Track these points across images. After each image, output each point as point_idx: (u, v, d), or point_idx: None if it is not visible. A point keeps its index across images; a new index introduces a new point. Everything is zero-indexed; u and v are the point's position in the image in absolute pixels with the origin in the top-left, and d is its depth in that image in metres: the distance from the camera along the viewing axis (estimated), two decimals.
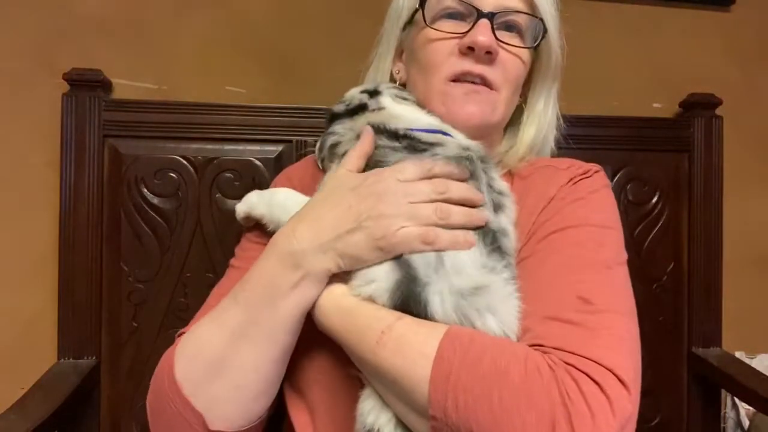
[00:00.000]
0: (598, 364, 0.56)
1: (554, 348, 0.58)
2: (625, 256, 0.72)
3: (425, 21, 0.77)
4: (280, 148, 1.33)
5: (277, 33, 1.42)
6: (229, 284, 0.76)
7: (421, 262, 0.62)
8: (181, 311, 1.29)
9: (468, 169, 0.68)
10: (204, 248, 1.30)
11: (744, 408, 1.52)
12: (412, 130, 0.71)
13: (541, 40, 0.78)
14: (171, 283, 1.29)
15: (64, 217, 1.25)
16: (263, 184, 1.31)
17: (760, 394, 1.22)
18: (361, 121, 0.75)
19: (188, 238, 1.30)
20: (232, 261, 0.86)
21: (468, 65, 0.75)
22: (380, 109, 0.77)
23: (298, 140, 1.32)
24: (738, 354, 1.53)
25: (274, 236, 0.67)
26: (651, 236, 1.44)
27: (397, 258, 0.62)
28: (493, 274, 0.63)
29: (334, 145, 0.76)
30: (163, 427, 0.68)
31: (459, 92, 0.76)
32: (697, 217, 1.45)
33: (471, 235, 0.64)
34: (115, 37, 1.35)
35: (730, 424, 1.55)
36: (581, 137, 1.41)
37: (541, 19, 0.78)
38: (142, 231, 1.28)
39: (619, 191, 1.43)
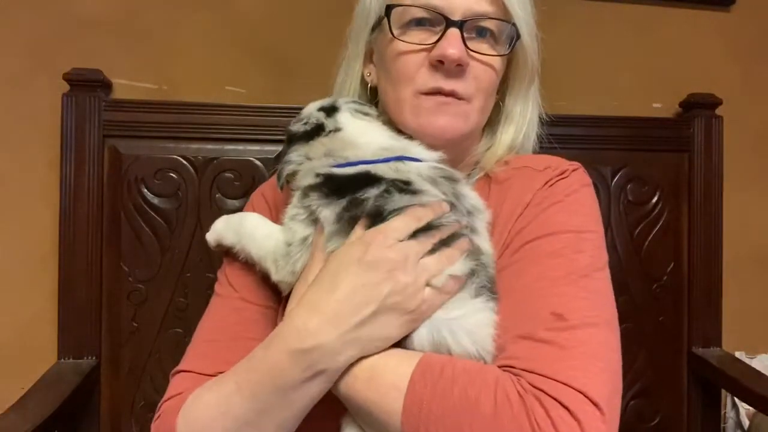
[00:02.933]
0: (569, 386, 0.55)
1: (524, 370, 0.57)
2: (605, 258, 0.69)
3: (392, 33, 0.73)
4: (280, 148, 1.32)
5: (277, 33, 1.42)
6: (217, 316, 0.78)
7: None
8: (181, 311, 1.29)
9: (448, 203, 0.67)
10: (204, 248, 1.29)
11: (744, 408, 1.52)
12: (367, 162, 0.68)
13: (514, 45, 0.74)
14: (171, 283, 1.29)
15: (64, 217, 1.25)
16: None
17: (760, 394, 1.22)
18: (316, 147, 0.73)
19: (188, 238, 1.30)
20: (217, 288, 0.83)
21: (438, 81, 0.71)
22: (336, 130, 0.73)
23: None
24: (738, 354, 1.53)
25: (280, 327, 0.62)
26: (651, 236, 1.44)
27: None
28: (467, 295, 0.64)
29: (291, 175, 0.74)
30: None
31: (430, 105, 0.72)
32: (697, 217, 1.45)
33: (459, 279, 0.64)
34: (115, 37, 1.35)
35: (730, 424, 1.55)
36: (581, 137, 1.42)
37: (514, 24, 0.73)
38: (142, 231, 1.28)
39: (619, 191, 1.43)
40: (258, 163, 1.32)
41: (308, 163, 0.72)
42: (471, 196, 0.71)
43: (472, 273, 0.64)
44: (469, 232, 0.67)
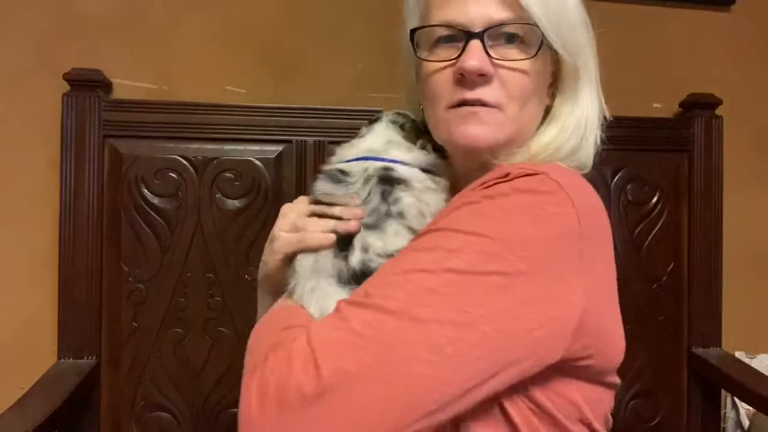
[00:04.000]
0: (309, 345, 0.56)
1: (307, 329, 0.59)
2: (495, 267, 0.58)
3: (417, 55, 0.74)
4: (280, 148, 1.33)
5: (277, 33, 1.42)
6: None
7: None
8: (181, 311, 1.29)
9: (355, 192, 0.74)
10: (204, 248, 1.30)
11: (744, 408, 1.52)
12: (341, 162, 0.78)
13: (542, 46, 0.71)
14: (171, 283, 1.29)
15: (64, 217, 1.25)
16: (263, 184, 1.31)
17: (760, 394, 1.22)
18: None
19: (188, 238, 1.30)
20: None
21: (464, 93, 0.70)
22: (361, 137, 0.83)
23: (298, 140, 1.32)
24: (738, 354, 1.53)
25: None
26: (651, 236, 1.44)
27: None
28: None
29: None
30: None
31: (458, 117, 0.72)
32: (697, 217, 1.45)
33: (327, 236, 0.71)
34: (115, 37, 1.35)
35: (730, 424, 1.55)
36: None
37: (536, 24, 0.70)
38: (142, 231, 1.28)
39: (619, 191, 1.43)
40: (258, 163, 1.32)
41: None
42: (408, 202, 0.72)
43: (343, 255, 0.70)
44: (365, 227, 0.70)
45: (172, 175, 1.29)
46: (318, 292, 0.69)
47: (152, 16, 1.37)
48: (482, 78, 0.69)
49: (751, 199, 1.59)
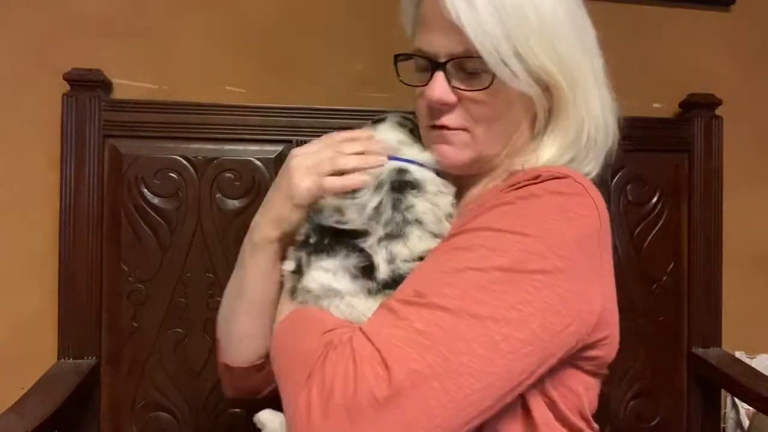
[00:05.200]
0: (373, 345, 0.56)
1: (361, 329, 0.59)
2: (537, 265, 0.61)
3: (399, 78, 0.80)
4: (280, 148, 1.33)
5: (277, 33, 1.42)
6: None
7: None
8: (181, 311, 1.29)
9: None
10: (204, 248, 1.30)
11: (744, 408, 1.52)
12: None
13: (495, 77, 0.70)
14: (171, 283, 1.29)
15: (64, 217, 1.25)
16: (263, 184, 1.31)
17: (760, 394, 1.22)
18: None
19: (188, 238, 1.30)
20: None
21: (432, 120, 0.77)
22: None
23: (298, 140, 1.32)
24: (738, 354, 1.53)
25: None
26: (651, 236, 1.44)
27: None
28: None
29: None
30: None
31: (432, 137, 0.78)
32: (697, 217, 1.45)
33: (362, 176, 0.74)
34: (115, 37, 1.35)
35: (730, 424, 1.55)
36: None
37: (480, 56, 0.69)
38: (142, 231, 1.28)
39: (619, 191, 1.43)
40: (258, 163, 1.32)
41: None
42: (422, 209, 0.73)
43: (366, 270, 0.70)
44: (386, 238, 0.71)
45: (172, 175, 1.29)
46: (342, 306, 0.68)
47: (152, 16, 1.37)
48: (446, 106, 0.74)
49: (751, 199, 1.59)
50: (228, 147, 1.31)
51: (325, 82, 1.42)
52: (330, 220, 0.72)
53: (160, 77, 1.37)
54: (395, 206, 0.72)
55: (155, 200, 1.29)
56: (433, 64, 0.73)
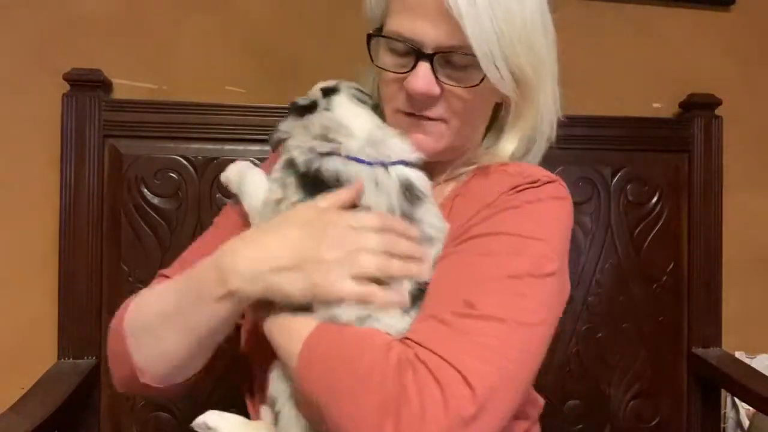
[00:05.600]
0: (449, 363, 0.56)
1: (417, 343, 0.59)
2: (550, 269, 0.67)
3: (372, 60, 0.78)
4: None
5: (277, 33, 1.42)
6: (204, 242, 0.88)
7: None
8: None
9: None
10: None
11: (744, 408, 1.52)
12: (357, 160, 0.72)
13: (483, 78, 0.71)
14: None
15: (64, 217, 1.25)
16: None
17: (760, 394, 1.22)
18: (311, 123, 0.77)
19: (188, 238, 1.29)
20: (216, 218, 0.93)
21: (411, 107, 0.75)
22: (326, 110, 0.78)
23: None
24: (738, 354, 1.53)
25: (222, 246, 0.69)
26: (651, 236, 1.44)
27: None
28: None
29: (278, 142, 0.80)
30: (113, 358, 0.77)
31: (405, 123, 0.76)
32: (697, 217, 1.45)
33: (406, 295, 0.65)
34: (115, 37, 1.35)
35: (730, 424, 1.55)
36: (581, 137, 1.42)
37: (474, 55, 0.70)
38: (142, 231, 1.28)
39: (619, 191, 1.43)
40: (258, 163, 1.31)
41: (299, 136, 0.77)
42: (431, 221, 0.72)
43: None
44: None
45: (172, 175, 1.29)
46: (375, 323, 0.64)
47: (152, 16, 1.37)
48: (428, 99, 0.73)
49: (751, 199, 1.59)
50: (228, 147, 1.31)
51: None
52: None
53: (160, 77, 1.37)
54: (410, 222, 0.70)
55: (155, 200, 1.29)
56: (417, 53, 0.71)
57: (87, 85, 1.27)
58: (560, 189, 0.76)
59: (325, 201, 0.68)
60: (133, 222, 1.28)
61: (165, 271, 0.86)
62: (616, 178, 1.43)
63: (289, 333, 0.65)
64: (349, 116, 0.77)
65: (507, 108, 0.80)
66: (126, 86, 1.35)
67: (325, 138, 0.74)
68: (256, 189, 0.79)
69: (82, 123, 1.26)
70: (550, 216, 0.72)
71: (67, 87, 1.27)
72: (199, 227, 1.30)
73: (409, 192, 0.72)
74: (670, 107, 1.55)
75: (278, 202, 0.73)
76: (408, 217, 0.70)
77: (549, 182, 0.75)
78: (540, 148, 0.84)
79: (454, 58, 0.71)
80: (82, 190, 1.25)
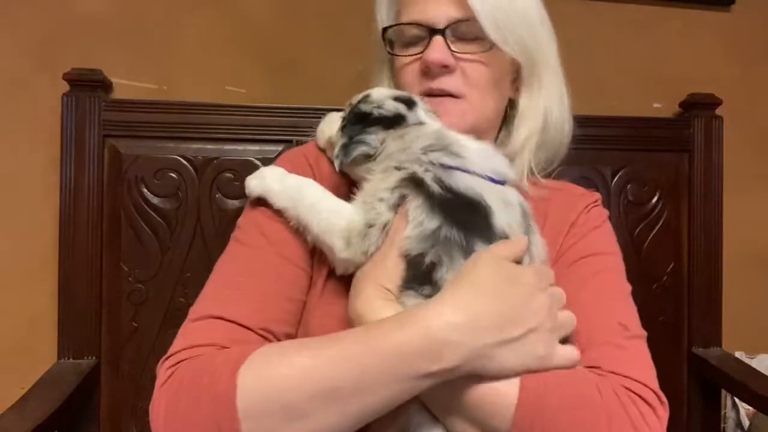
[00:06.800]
0: (645, 386, 0.65)
1: (609, 372, 0.65)
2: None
3: (389, 52, 0.84)
4: (280, 148, 1.32)
5: (277, 33, 1.42)
6: (236, 266, 0.72)
7: None
8: (181, 311, 1.29)
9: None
10: (204, 248, 1.30)
11: (744, 408, 1.52)
12: (484, 177, 0.68)
13: (493, 45, 0.78)
14: (171, 283, 1.29)
15: (64, 217, 1.25)
16: None
17: (760, 394, 1.22)
18: (408, 137, 0.71)
19: (188, 238, 1.30)
20: (240, 236, 0.76)
21: (429, 83, 0.79)
22: (420, 124, 0.73)
23: (298, 140, 1.32)
24: (738, 354, 1.53)
25: (417, 310, 0.59)
26: (651, 236, 1.44)
27: None
28: None
29: (367, 157, 0.72)
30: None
31: (429, 105, 0.78)
32: (697, 217, 1.45)
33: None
34: (115, 37, 1.35)
35: (730, 424, 1.55)
36: (581, 137, 1.40)
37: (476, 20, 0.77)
38: (142, 231, 1.28)
39: (619, 191, 1.43)
40: (258, 163, 1.32)
41: (400, 150, 0.70)
42: (539, 251, 0.71)
43: None
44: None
45: (172, 175, 1.29)
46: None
47: (152, 16, 1.37)
48: (445, 69, 0.78)
49: (751, 199, 1.59)
50: (228, 147, 1.31)
51: (325, 82, 1.42)
52: None
53: (160, 77, 1.37)
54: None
55: (155, 200, 1.29)
56: (430, 31, 0.77)
57: (87, 85, 1.27)
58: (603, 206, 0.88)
59: (504, 250, 0.63)
60: (132, 222, 1.28)
61: (211, 312, 0.67)
62: (616, 178, 1.43)
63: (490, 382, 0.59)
64: (446, 130, 0.73)
65: (516, 105, 0.86)
66: (126, 86, 1.35)
67: (447, 151, 0.68)
68: (330, 205, 0.71)
69: (82, 123, 1.26)
70: (613, 232, 0.85)
71: (67, 87, 1.27)
72: (199, 227, 1.30)
73: (525, 215, 0.70)
74: (670, 107, 1.55)
75: (386, 224, 0.67)
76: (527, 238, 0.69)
77: (599, 199, 0.88)
78: (556, 149, 0.89)
79: (463, 30, 0.77)
80: (82, 190, 1.25)
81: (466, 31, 0.77)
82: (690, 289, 1.45)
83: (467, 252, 0.63)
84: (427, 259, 0.63)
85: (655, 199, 1.45)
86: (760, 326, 1.60)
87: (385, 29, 0.84)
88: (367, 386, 0.56)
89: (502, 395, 0.58)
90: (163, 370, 0.63)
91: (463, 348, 0.55)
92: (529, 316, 0.59)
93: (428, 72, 0.78)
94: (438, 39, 0.77)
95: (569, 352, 0.63)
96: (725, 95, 1.47)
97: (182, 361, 0.62)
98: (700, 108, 1.47)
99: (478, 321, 0.57)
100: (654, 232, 1.45)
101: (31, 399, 1.08)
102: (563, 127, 0.88)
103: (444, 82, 0.78)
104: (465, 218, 0.64)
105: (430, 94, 0.79)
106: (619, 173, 1.43)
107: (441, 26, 0.77)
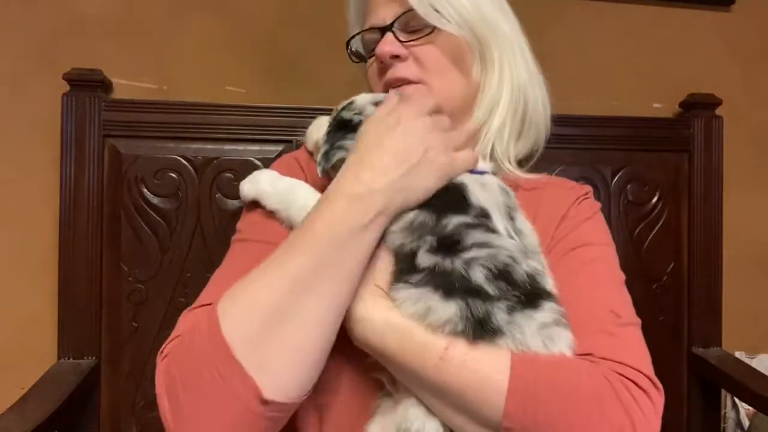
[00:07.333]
0: (638, 371, 0.65)
1: (602, 358, 0.65)
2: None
3: (352, 59, 0.91)
4: (280, 148, 1.33)
5: (277, 33, 1.42)
6: (239, 261, 0.74)
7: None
8: (180, 311, 1.27)
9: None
10: (204, 248, 1.30)
11: (744, 408, 1.52)
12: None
13: (434, 28, 0.80)
14: (171, 283, 1.29)
15: (64, 217, 1.25)
16: None
17: (760, 394, 1.22)
18: None
19: (188, 238, 1.30)
20: (239, 236, 0.80)
21: (387, 76, 0.82)
22: None
23: (298, 140, 1.32)
24: (738, 354, 1.53)
25: (334, 184, 0.66)
26: (651, 236, 1.45)
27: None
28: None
29: (342, 160, 0.72)
30: (196, 404, 0.59)
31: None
32: (697, 217, 1.45)
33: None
34: (115, 37, 1.35)
35: (730, 424, 1.55)
36: (581, 137, 1.42)
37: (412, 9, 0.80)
38: (142, 231, 1.28)
39: (619, 191, 1.43)
40: (258, 163, 1.32)
41: None
42: (527, 231, 0.72)
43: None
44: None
45: (172, 175, 1.29)
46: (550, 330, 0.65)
47: (152, 16, 1.37)
48: (397, 59, 0.81)
49: (751, 199, 1.59)
50: (228, 147, 1.31)
51: (325, 82, 1.42)
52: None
53: (160, 77, 1.37)
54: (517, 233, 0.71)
55: (155, 200, 1.29)
56: (381, 30, 0.82)
57: (87, 85, 1.27)
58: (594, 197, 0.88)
59: (383, 110, 0.73)
60: (132, 222, 1.28)
61: (203, 301, 0.72)
62: (616, 178, 1.43)
63: (477, 370, 0.61)
64: None
65: (477, 67, 0.86)
66: (126, 86, 1.35)
67: None
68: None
69: (82, 123, 1.26)
70: (605, 223, 0.85)
71: (67, 87, 1.27)
72: (199, 227, 1.30)
73: (506, 195, 0.73)
74: (670, 107, 1.55)
75: None
76: (512, 218, 0.71)
77: (590, 191, 0.87)
78: (530, 129, 0.88)
79: (410, 22, 0.81)
80: (82, 190, 1.25)
81: (413, 23, 0.81)
82: (690, 289, 1.45)
83: (436, 231, 0.66)
84: (407, 249, 0.66)
85: (655, 199, 1.45)
86: (760, 326, 1.60)
87: (349, 42, 0.90)
88: (324, 264, 0.61)
89: (492, 384, 0.60)
90: (159, 359, 0.70)
91: (378, 192, 0.64)
92: (417, 144, 0.68)
93: (383, 66, 0.82)
94: (387, 34, 0.81)
95: (467, 153, 0.72)
96: (725, 95, 1.47)
97: (172, 341, 0.71)
98: (700, 108, 1.47)
99: (377, 167, 0.66)
100: (654, 232, 1.45)
101: (31, 399, 1.08)
102: (538, 107, 0.87)
103: (399, 70, 0.81)
104: (437, 202, 0.68)
105: (390, 85, 0.82)
106: (619, 173, 1.43)
107: (389, 22, 0.81)
